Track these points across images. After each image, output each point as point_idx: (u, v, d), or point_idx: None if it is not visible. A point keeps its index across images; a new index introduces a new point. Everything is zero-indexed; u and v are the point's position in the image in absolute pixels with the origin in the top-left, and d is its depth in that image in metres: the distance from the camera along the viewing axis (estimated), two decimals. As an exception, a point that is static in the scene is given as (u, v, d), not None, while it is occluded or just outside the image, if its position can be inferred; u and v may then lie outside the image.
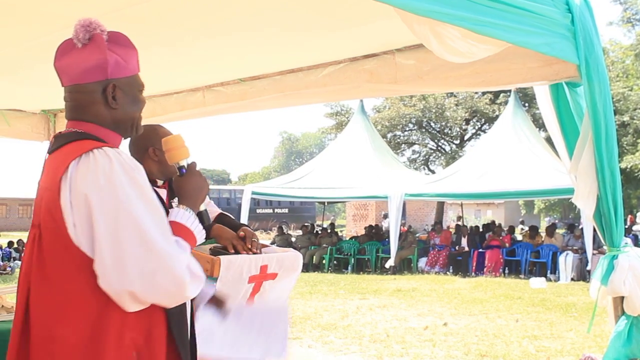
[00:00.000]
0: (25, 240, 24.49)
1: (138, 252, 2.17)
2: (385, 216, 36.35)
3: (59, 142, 2.40)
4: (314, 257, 21.84)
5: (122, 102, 2.44)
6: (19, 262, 22.98)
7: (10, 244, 25.01)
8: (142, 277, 2.16)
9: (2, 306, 4.98)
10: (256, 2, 3.70)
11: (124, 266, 2.16)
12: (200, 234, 2.47)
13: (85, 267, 2.21)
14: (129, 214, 2.19)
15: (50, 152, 2.43)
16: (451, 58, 3.26)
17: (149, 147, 3.27)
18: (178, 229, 2.36)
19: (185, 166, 2.64)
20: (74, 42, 2.42)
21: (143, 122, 2.62)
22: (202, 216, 2.57)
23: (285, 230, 27.90)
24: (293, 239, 24.59)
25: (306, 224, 27.01)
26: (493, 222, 25.88)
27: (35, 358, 2.26)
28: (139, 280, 2.16)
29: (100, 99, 2.42)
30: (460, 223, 26.26)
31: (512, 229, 22.69)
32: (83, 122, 2.43)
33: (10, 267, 21.69)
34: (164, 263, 2.18)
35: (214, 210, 3.77)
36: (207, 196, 2.77)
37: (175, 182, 2.63)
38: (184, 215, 2.44)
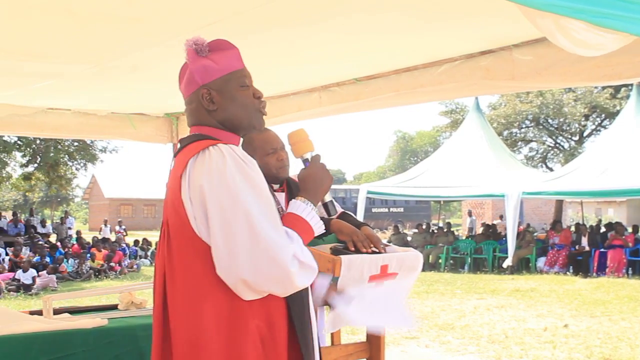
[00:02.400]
0: (149, 239, 25.45)
1: (247, 240, 2.25)
2: (501, 217, 35.80)
3: (182, 145, 2.55)
4: (430, 256, 21.72)
5: (220, 102, 2.54)
6: (145, 260, 23.85)
7: (136, 242, 25.99)
8: (251, 265, 2.24)
9: (132, 302, 5.18)
10: (371, 1, 3.71)
11: (234, 254, 2.26)
12: (317, 225, 2.51)
13: (209, 258, 2.33)
14: (239, 204, 2.28)
15: (175, 155, 2.57)
16: (580, 51, 3.16)
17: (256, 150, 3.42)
18: (293, 220, 2.44)
19: (309, 159, 2.71)
20: (187, 63, 2.59)
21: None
22: (327, 207, 2.67)
23: (400, 230, 27.84)
24: (409, 238, 24.50)
25: (421, 223, 26.87)
26: (618, 222, 25.04)
27: (178, 348, 2.41)
28: (249, 269, 2.24)
29: (201, 105, 2.55)
30: (580, 222, 25.54)
31: (635, 228, 21.77)
32: (200, 126, 2.58)
33: (136, 264, 22.53)
34: (270, 251, 2.24)
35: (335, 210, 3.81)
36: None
37: (299, 175, 2.68)
38: (300, 207, 2.49)
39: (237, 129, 2.59)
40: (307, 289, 2.58)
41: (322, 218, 2.91)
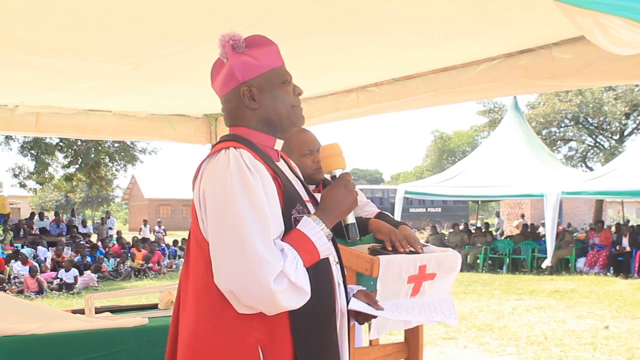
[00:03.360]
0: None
1: (235, 252, 2.19)
2: (522, 216, 35.57)
3: (212, 147, 2.51)
4: (468, 256, 21.60)
5: (261, 100, 2.47)
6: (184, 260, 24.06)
7: (175, 242, 26.20)
8: (236, 277, 2.18)
9: (172, 301, 5.23)
10: (410, 2, 3.71)
11: (224, 265, 2.22)
12: (323, 246, 2.37)
13: (210, 261, 2.30)
14: (232, 213, 2.22)
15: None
16: (617, 50, 3.14)
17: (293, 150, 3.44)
18: (297, 238, 2.33)
19: (337, 176, 2.60)
20: (221, 59, 2.53)
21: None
22: (347, 229, 2.57)
23: (438, 230, 27.72)
24: (447, 238, 24.41)
25: (458, 223, 26.73)
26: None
27: (181, 349, 2.40)
28: (235, 280, 2.18)
29: (242, 104, 2.48)
30: (621, 222, 25.21)
31: (678, 228, 21.51)
32: (236, 127, 2.52)
33: (175, 264, 22.72)
34: (254, 265, 2.16)
35: (372, 211, 3.81)
36: (364, 195, 2.78)
37: (322, 191, 2.57)
38: (309, 225, 2.37)
39: (277, 127, 2.52)
40: (328, 305, 2.48)
41: (360, 218, 2.91)
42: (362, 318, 2.82)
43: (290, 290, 2.21)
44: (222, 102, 2.57)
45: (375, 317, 2.85)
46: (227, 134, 2.53)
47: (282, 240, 2.30)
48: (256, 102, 2.46)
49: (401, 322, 3.54)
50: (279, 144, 2.57)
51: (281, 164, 2.57)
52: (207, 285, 2.28)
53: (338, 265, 2.60)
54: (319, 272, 2.40)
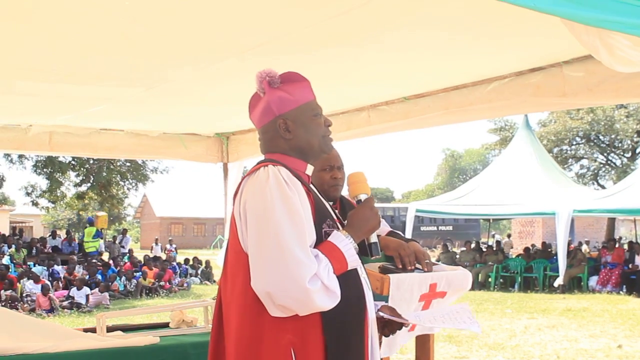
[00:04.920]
0: (199, 258, 25.60)
1: (274, 255, 2.40)
2: (509, 236, 35.42)
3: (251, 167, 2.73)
4: (480, 275, 21.51)
5: (295, 131, 2.72)
6: (195, 279, 24.01)
7: (186, 261, 26.15)
8: (273, 277, 2.39)
9: (183, 320, 5.23)
10: (418, 20, 3.73)
11: (261, 266, 2.43)
12: (352, 257, 2.61)
13: (249, 269, 2.50)
14: (271, 220, 2.44)
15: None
16: (621, 68, 3.15)
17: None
18: (329, 248, 2.57)
19: (362, 200, 2.85)
20: (257, 93, 2.77)
21: None
22: (370, 247, 2.82)
23: (449, 248, 27.63)
24: (458, 257, 24.32)
25: (470, 241, 26.64)
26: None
27: (228, 355, 2.62)
28: (272, 280, 2.39)
29: (278, 134, 2.73)
30: (633, 240, 25.06)
31: (691, 246, 21.35)
32: (272, 153, 2.76)
33: (187, 282, 22.65)
34: (291, 266, 2.38)
35: (383, 229, 3.82)
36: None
37: (349, 212, 2.82)
38: (339, 238, 2.62)
39: (308, 154, 2.78)
40: (358, 312, 2.65)
41: None
42: (388, 330, 3.05)
43: (323, 291, 2.43)
44: (259, 132, 2.82)
45: (400, 328, 3.05)
46: (263, 158, 2.75)
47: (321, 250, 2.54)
48: (291, 133, 2.72)
49: (407, 335, 3.57)
50: (309, 169, 2.83)
51: (311, 187, 2.78)
52: (245, 293, 2.50)
53: (365, 279, 2.78)
54: (348, 281, 2.60)
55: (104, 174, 28.26)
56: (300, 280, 2.36)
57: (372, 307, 2.75)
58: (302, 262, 2.39)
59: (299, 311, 2.43)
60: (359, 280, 2.69)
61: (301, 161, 2.77)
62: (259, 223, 2.47)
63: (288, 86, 2.72)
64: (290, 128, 2.71)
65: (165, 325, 5.34)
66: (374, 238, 2.82)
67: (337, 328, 2.55)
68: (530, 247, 24.61)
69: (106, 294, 17.67)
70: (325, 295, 2.44)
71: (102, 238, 25.23)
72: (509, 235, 35.92)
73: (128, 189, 32.18)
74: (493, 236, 39.64)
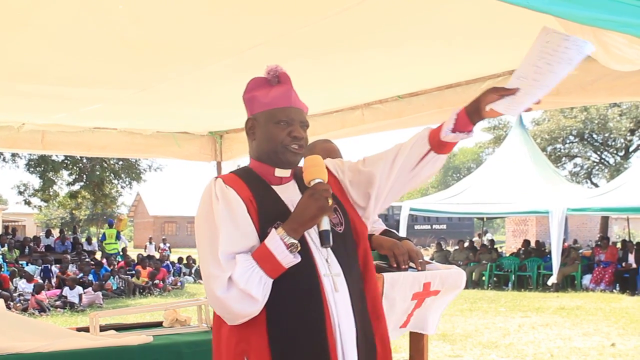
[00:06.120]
0: (193, 257, 25.57)
1: (202, 269, 2.51)
2: (480, 235, 35.40)
3: None
4: (474, 273, 21.53)
5: (258, 135, 2.70)
6: (188, 277, 23.97)
7: (180, 260, 26.11)
8: (206, 292, 2.50)
9: (177, 319, 5.22)
10: (413, 19, 3.72)
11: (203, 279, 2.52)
12: (281, 254, 2.43)
13: None
14: (198, 238, 2.56)
15: None
16: (618, 67, 3.14)
17: None
18: (259, 251, 2.46)
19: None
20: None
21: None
22: (321, 236, 2.51)
23: (443, 247, 27.64)
24: (452, 255, 24.34)
25: (463, 240, 26.67)
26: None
27: None
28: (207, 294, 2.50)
29: (249, 134, 2.76)
30: (626, 238, 25.11)
31: (684, 244, 21.39)
32: (250, 157, 2.79)
33: (180, 282, 22.60)
34: (207, 282, 2.46)
35: (378, 228, 3.81)
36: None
37: None
38: (270, 238, 2.45)
39: (271, 160, 2.69)
40: (312, 319, 2.49)
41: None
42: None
43: (239, 298, 2.39)
44: None
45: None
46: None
47: (252, 254, 2.46)
48: (254, 135, 2.73)
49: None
50: (279, 172, 2.71)
51: (285, 187, 2.72)
52: None
53: (340, 278, 2.57)
54: (297, 285, 2.50)
55: (97, 172, 28.17)
56: (212, 292, 2.41)
57: (342, 311, 2.53)
58: (212, 274, 2.42)
59: (226, 319, 2.48)
60: (313, 284, 2.51)
61: (268, 166, 2.69)
62: (196, 238, 2.60)
63: (266, 88, 2.69)
64: (255, 131, 2.71)
65: (159, 325, 5.34)
66: (324, 225, 2.50)
67: (283, 336, 2.46)
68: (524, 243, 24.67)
69: (99, 293, 17.63)
70: (242, 301, 2.38)
71: (119, 239, 26.22)
72: (479, 235, 35.88)
73: (122, 187, 32.12)
74: (485, 232, 39.67)
